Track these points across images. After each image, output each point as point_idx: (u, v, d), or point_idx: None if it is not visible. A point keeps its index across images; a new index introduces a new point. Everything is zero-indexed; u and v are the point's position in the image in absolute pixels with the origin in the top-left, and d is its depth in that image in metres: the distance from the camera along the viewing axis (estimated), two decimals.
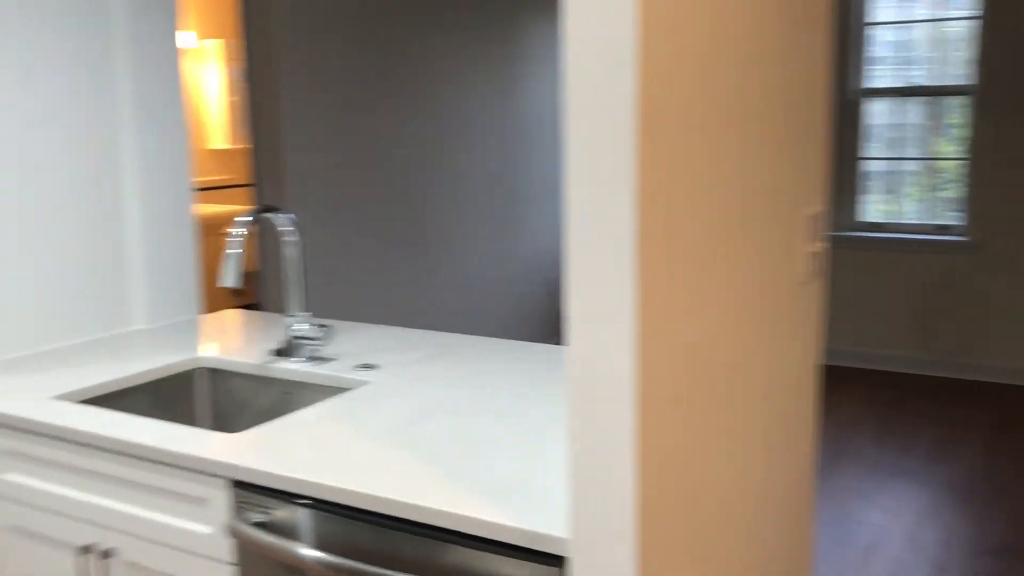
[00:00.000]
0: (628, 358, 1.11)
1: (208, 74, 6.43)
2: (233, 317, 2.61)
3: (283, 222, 2.10)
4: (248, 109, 3.95)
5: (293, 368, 2.05)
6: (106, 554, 1.71)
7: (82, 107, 2.31)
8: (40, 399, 1.86)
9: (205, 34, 6.40)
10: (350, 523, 1.40)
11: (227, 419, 2.17)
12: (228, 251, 1.94)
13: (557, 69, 5.68)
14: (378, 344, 2.24)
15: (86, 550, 1.73)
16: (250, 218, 1.99)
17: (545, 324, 5.91)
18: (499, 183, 5.32)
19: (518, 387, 1.88)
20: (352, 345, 2.23)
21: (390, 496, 1.35)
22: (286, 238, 2.10)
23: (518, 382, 1.91)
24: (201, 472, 1.55)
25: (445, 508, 1.31)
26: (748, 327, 1.44)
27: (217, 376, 2.17)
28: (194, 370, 2.18)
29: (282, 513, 1.47)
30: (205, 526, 1.57)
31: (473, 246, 5.14)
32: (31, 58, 2.19)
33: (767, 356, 1.52)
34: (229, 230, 1.97)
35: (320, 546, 1.44)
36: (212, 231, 5.48)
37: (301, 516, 1.45)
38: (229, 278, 1.93)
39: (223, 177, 6.59)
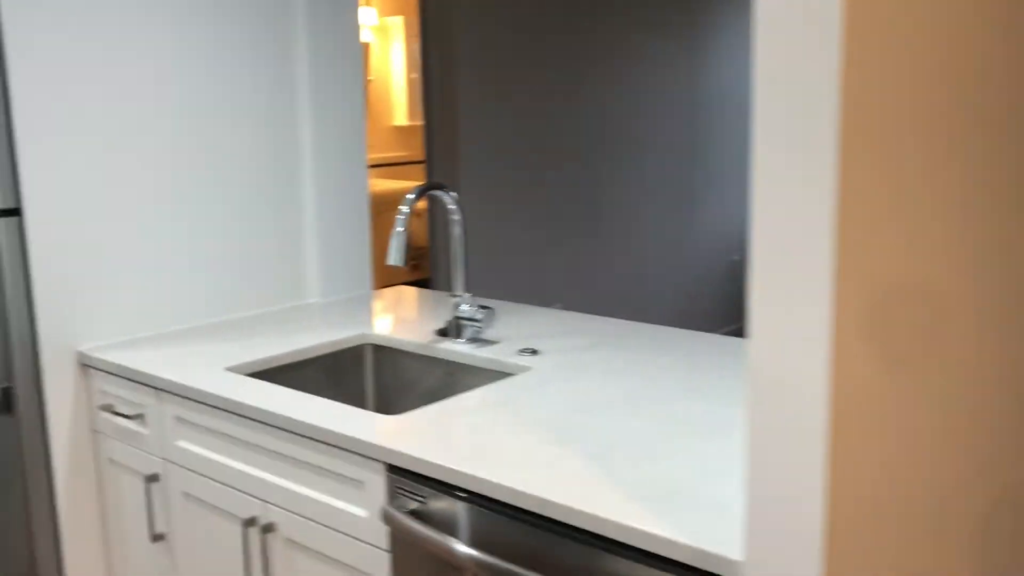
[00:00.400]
0: (822, 351, 0.97)
1: (389, 51, 6.55)
2: (403, 294, 2.61)
3: (448, 200, 2.05)
4: (424, 86, 3.96)
5: (456, 349, 2.00)
6: (267, 528, 1.72)
7: (263, 89, 2.35)
8: (213, 370, 1.89)
9: (386, 11, 6.51)
10: (505, 520, 1.33)
11: (391, 397, 2.16)
12: (394, 230, 1.91)
13: (745, 32, 5.40)
14: (541, 328, 2.16)
15: (250, 523, 1.75)
16: (415, 196, 1.96)
17: (724, 310, 5.68)
18: (677, 159, 5.12)
19: (692, 382, 1.75)
20: (515, 328, 2.17)
21: (548, 497, 1.26)
22: (451, 217, 2.05)
23: (692, 377, 1.78)
24: (359, 454, 1.52)
25: (606, 515, 1.21)
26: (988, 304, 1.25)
27: (383, 353, 2.16)
28: (362, 346, 2.18)
29: (437, 503, 1.42)
30: (362, 509, 1.55)
31: (647, 226, 4.98)
32: (215, 43, 2.24)
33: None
34: (399, 207, 1.94)
35: (474, 541, 1.37)
36: (390, 207, 5.59)
37: (455, 508, 1.40)
38: (394, 257, 1.90)
39: (403, 154, 6.72)
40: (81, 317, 2.07)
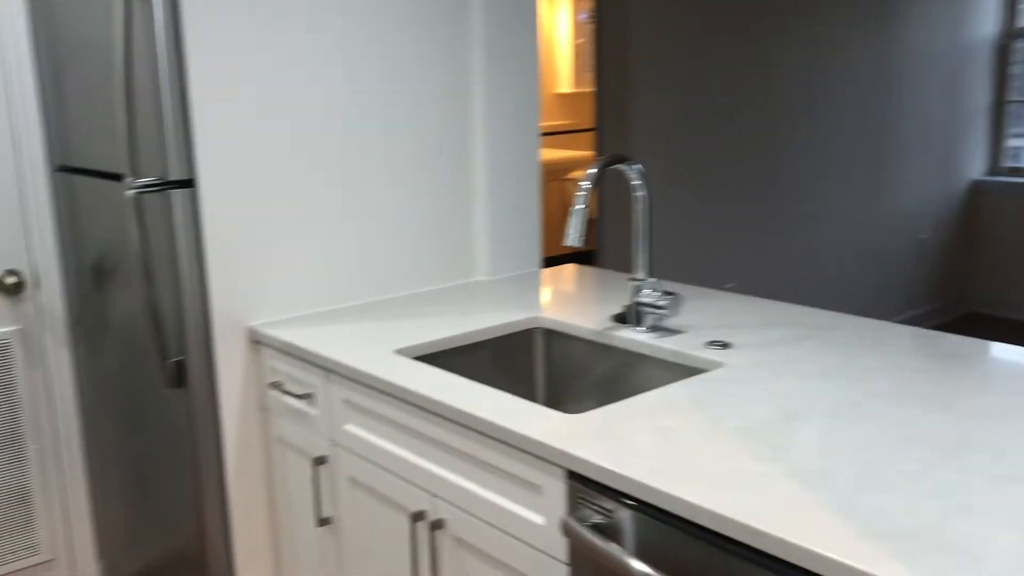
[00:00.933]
0: None
1: (555, 18, 6.38)
2: (573, 273, 2.46)
3: (632, 175, 1.88)
4: (595, 51, 3.77)
5: (635, 339, 1.84)
6: (436, 525, 1.63)
7: (436, 61, 2.24)
8: (382, 352, 1.81)
9: None
10: (704, 546, 1.17)
11: (562, 385, 2.03)
12: (574, 207, 1.76)
13: None
14: (730, 317, 1.96)
15: (418, 517, 1.66)
16: (598, 171, 1.80)
17: (909, 292, 5.25)
18: (862, 131, 4.73)
19: (914, 387, 1.52)
20: (700, 315, 1.98)
21: (761, 527, 1.09)
22: (635, 192, 1.88)
23: (914, 381, 1.55)
24: (537, 456, 1.39)
25: (834, 555, 1.02)
26: None
27: (554, 338, 2.02)
28: (532, 330, 2.05)
29: (623, 516, 1.27)
30: (539, 515, 1.42)
31: (828, 202, 4.63)
32: (387, 14, 2.14)
33: None
34: (579, 182, 1.78)
35: (665, 567, 1.22)
36: (553, 176, 5.46)
37: (645, 526, 1.24)
38: (573, 237, 1.75)
39: (566, 122, 6.56)
40: (252, 292, 2.04)
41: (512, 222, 2.44)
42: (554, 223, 4.98)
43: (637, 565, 1.21)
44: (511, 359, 2.03)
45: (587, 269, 2.51)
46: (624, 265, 3.66)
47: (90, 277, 2.40)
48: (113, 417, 2.43)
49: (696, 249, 4.07)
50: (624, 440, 1.35)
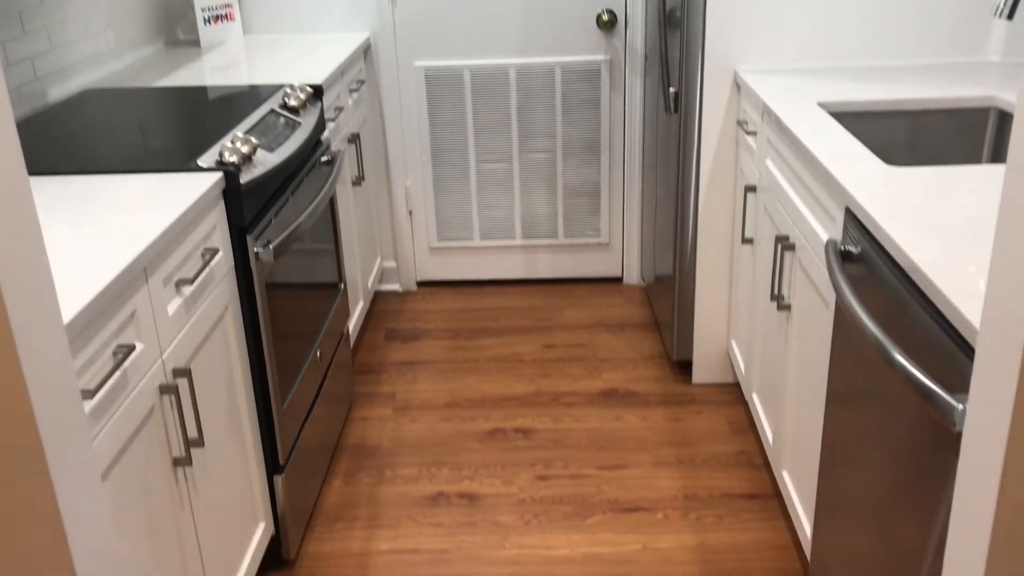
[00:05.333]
0: None
1: None
2: None
3: None
4: None
5: None
6: (788, 247, 1.92)
7: None
8: (806, 103, 2.05)
9: None
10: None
11: None
12: None
13: None
14: None
15: (782, 239, 1.96)
16: None
17: None
18: None
19: None
20: None
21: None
22: None
23: None
24: (830, 191, 1.59)
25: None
26: None
27: (1007, 122, 1.99)
28: (986, 109, 2.04)
29: (867, 251, 1.45)
30: (825, 235, 1.64)
31: None
32: None
33: None
34: None
35: (868, 304, 1.40)
36: None
37: (870, 267, 1.42)
38: None
39: None
40: (742, 42, 2.38)
41: None
42: None
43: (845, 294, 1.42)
44: (945, 136, 2.06)
45: None
46: None
47: (654, 22, 2.96)
48: (646, 133, 3.04)
49: None
50: (904, 197, 1.48)
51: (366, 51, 3.15)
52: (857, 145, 1.73)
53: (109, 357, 1.33)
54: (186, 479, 1.56)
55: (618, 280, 3.46)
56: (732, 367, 2.70)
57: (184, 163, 1.78)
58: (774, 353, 2.09)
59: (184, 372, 1.52)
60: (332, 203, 2.45)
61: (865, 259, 1.45)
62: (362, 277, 2.98)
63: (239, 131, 1.99)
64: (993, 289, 0.94)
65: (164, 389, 1.47)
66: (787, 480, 2.01)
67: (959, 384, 1.12)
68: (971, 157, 2.04)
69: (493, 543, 2.13)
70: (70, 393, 1.03)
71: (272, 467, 1.98)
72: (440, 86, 3.20)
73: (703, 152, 2.49)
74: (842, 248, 1.53)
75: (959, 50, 2.36)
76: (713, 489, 2.27)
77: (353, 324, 2.81)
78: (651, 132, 3.02)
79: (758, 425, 2.26)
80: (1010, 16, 1.72)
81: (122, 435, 1.33)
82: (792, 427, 1.97)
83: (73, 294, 1.25)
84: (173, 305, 1.53)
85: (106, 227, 1.48)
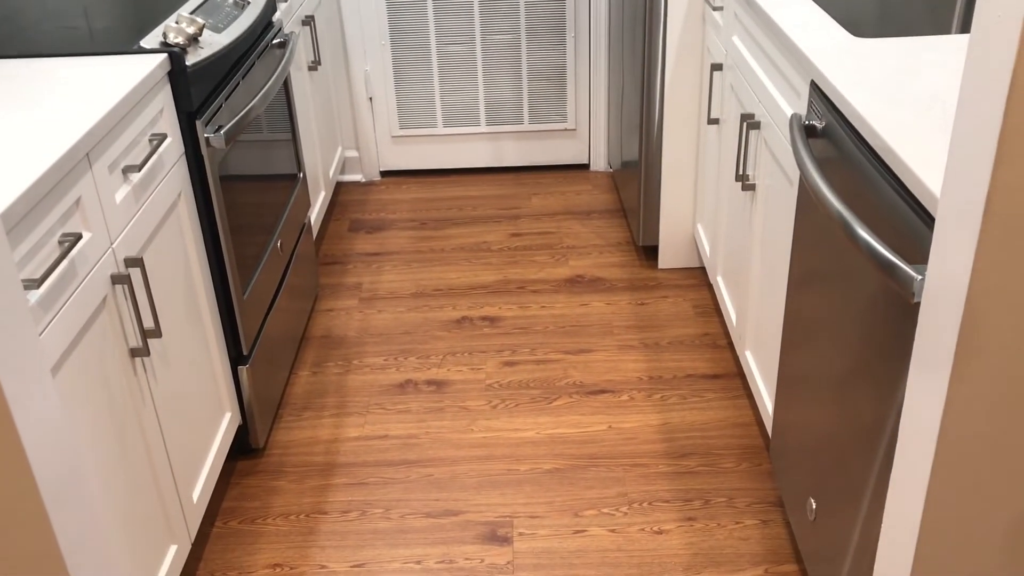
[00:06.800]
0: None
1: None
2: None
3: None
4: None
5: None
6: (753, 125, 1.88)
7: None
8: None
9: None
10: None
11: None
12: None
13: None
14: None
15: (747, 117, 1.93)
16: None
17: None
18: None
19: None
20: None
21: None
22: None
23: None
24: (797, 65, 1.55)
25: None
26: None
27: None
28: None
29: (829, 123, 1.42)
30: (790, 109, 1.61)
31: None
32: None
33: None
34: None
35: (829, 177, 1.38)
36: None
37: (830, 139, 1.39)
38: None
39: None
40: None
41: None
42: None
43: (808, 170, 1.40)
44: (913, 5, 2.01)
45: None
46: None
47: None
48: (611, 14, 2.95)
49: None
50: (870, 69, 1.45)
51: None
52: (824, 16, 1.68)
53: (55, 246, 1.28)
54: (145, 370, 1.54)
55: (585, 167, 3.41)
56: (698, 251, 2.70)
57: (126, 45, 1.69)
58: (739, 235, 2.08)
59: (136, 261, 1.49)
60: (287, 89, 2.37)
61: (829, 134, 1.43)
62: (323, 167, 2.92)
63: (184, 11, 1.89)
64: (954, 157, 0.92)
65: (116, 279, 1.43)
66: (750, 360, 2.03)
67: (919, 256, 1.11)
68: (941, 27, 2.00)
69: (461, 427, 2.15)
70: (8, 280, 1.00)
71: (236, 358, 1.96)
72: None
73: (669, 30, 2.42)
74: (807, 123, 1.50)
75: None
76: (677, 370, 2.29)
77: (315, 215, 2.76)
78: (617, 13, 2.93)
79: (722, 307, 2.27)
80: None
81: (74, 326, 1.30)
82: (755, 308, 1.98)
83: (10, 181, 1.20)
84: (121, 192, 1.48)
85: (43, 112, 1.41)
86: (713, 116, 2.29)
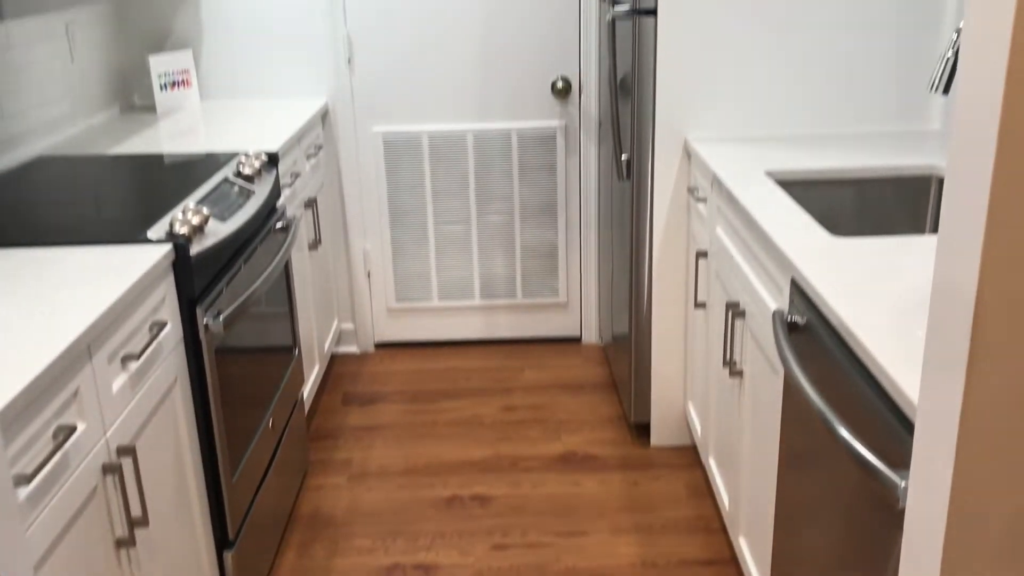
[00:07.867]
0: None
1: None
2: None
3: None
4: None
5: None
6: (738, 314, 1.94)
7: None
8: (755, 172, 2.09)
9: None
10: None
11: None
12: None
13: None
14: None
15: (733, 306, 1.99)
16: None
17: None
18: None
19: None
20: None
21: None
22: None
23: None
24: (779, 264, 1.62)
25: None
26: None
27: None
28: (928, 177, 2.09)
29: (813, 322, 1.47)
30: (774, 304, 1.66)
31: None
32: None
33: None
34: None
35: (810, 374, 1.41)
36: None
37: (812, 340, 1.43)
38: None
39: None
40: (692, 111, 2.43)
41: None
42: None
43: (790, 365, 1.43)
44: (889, 204, 2.11)
45: None
46: None
47: (607, 90, 3.01)
48: (601, 196, 3.08)
49: None
50: (849, 270, 1.51)
51: (324, 116, 3.16)
52: (803, 215, 1.76)
53: (49, 439, 1.30)
54: (129, 560, 1.52)
55: (576, 340, 3.46)
56: (689, 429, 2.71)
57: (134, 234, 1.76)
58: (728, 418, 2.10)
59: (128, 450, 1.49)
60: (287, 269, 2.44)
61: (811, 330, 1.47)
62: (318, 340, 2.96)
63: (191, 201, 1.98)
64: (929, 370, 0.95)
65: (107, 468, 1.44)
66: (743, 547, 2.00)
67: (902, 459, 1.13)
68: (915, 225, 2.09)
69: None
70: (1, 482, 1.01)
71: (222, 542, 1.93)
72: (398, 151, 3.23)
73: (656, 217, 2.52)
74: (789, 319, 1.55)
75: (903, 119, 2.43)
76: (671, 556, 2.25)
77: (308, 389, 2.78)
78: (606, 195, 3.05)
79: (715, 490, 2.26)
80: (946, 91, 1.78)
81: (61, 519, 1.30)
82: (747, 493, 1.97)
83: (10, 377, 1.22)
84: (118, 382, 1.51)
85: (48, 304, 1.46)
86: (700, 300, 2.36)
